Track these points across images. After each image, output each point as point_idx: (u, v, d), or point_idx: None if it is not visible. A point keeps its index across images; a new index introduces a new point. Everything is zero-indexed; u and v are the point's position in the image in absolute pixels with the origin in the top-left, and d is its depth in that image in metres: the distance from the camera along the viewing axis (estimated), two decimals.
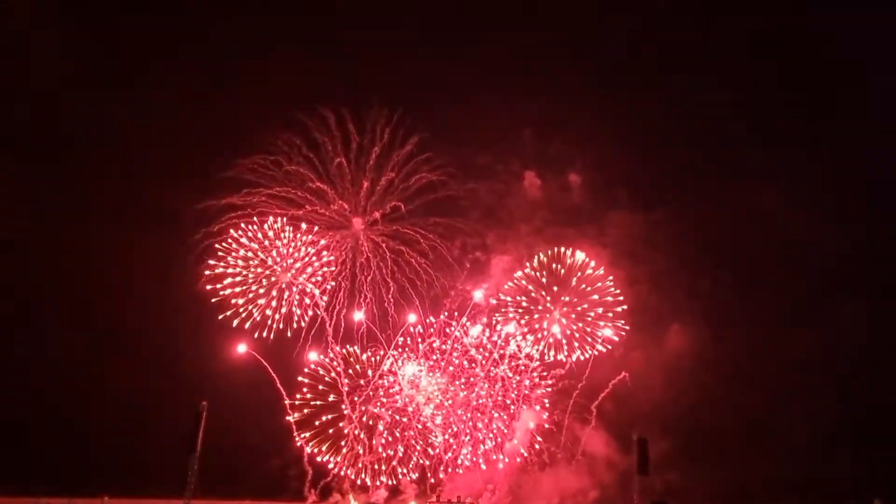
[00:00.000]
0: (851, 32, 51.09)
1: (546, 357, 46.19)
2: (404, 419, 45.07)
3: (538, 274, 46.82)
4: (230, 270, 43.52)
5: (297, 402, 44.06)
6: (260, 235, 44.12)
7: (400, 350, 45.45)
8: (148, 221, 44.64)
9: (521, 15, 53.16)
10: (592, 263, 46.80)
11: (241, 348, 43.07)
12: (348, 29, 51.06)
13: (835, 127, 51.53)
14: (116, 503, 39.04)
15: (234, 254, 43.65)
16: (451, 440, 45.33)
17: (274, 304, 43.99)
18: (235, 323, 43.15)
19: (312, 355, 44.49)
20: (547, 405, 46.31)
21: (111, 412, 43.08)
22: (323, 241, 45.13)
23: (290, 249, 44.42)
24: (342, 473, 43.81)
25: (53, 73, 45.48)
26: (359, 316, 44.71)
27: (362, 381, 44.95)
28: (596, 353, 45.87)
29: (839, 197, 51.36)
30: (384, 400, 45.19)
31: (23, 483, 38.31)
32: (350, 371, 45.08)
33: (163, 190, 44.48)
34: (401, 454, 44.73)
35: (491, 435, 45.50)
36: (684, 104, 51.37)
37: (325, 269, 45.03)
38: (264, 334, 43.49)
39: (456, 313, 46.05)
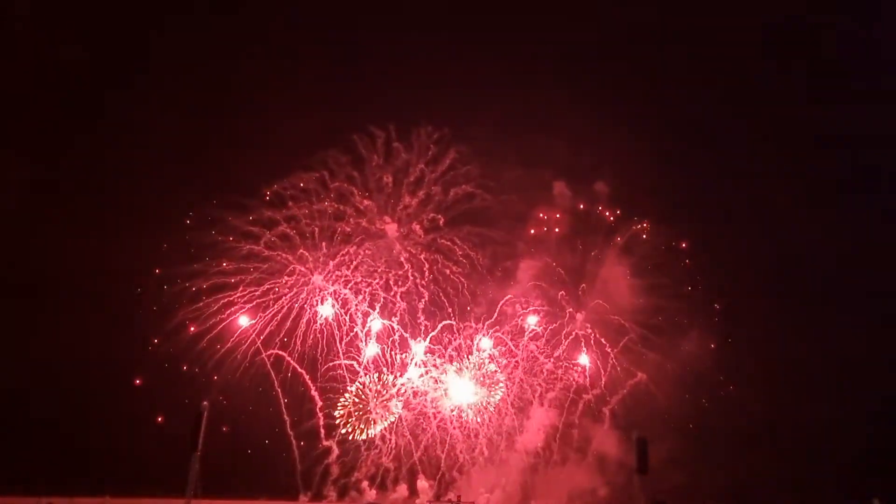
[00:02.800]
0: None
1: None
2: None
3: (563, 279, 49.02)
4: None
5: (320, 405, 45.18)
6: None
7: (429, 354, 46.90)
8: (161, 225, 44.88)
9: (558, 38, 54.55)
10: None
11: (244, 321, 42.94)
12: (389, 48, 52.77)
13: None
14: (117, 503, 39.01)
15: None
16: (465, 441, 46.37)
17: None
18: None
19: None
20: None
21: (111, 412, 43.01)
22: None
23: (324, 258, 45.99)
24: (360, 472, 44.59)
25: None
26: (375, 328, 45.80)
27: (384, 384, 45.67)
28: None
29: (851, 204, 52.10)
30: (416, 400, 46.09)
31: (23, 483, 38.21)
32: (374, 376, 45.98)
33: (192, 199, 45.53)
34: (418, 454, 45.95)
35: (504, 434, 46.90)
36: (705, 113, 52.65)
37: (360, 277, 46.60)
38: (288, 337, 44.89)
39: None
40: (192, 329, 42.82)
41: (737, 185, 52.86)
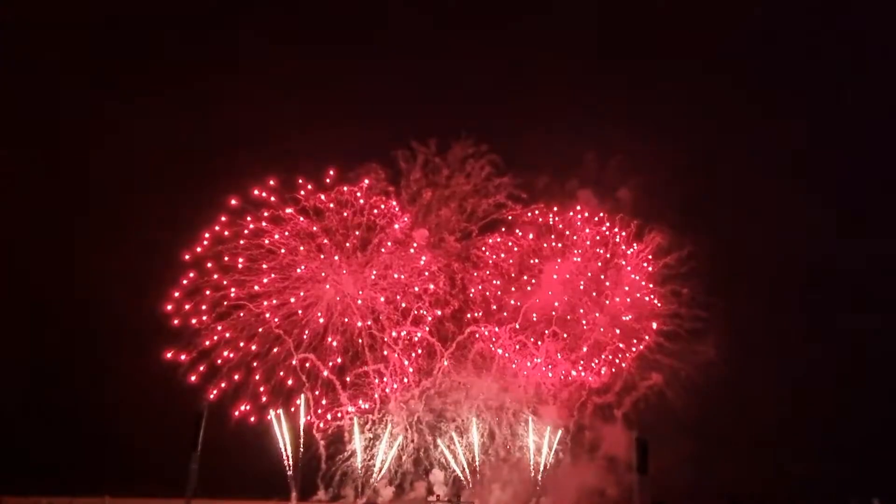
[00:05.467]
0: None
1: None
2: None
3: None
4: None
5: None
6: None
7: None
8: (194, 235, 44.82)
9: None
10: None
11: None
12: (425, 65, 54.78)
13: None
14: (117, 503, 39.10)
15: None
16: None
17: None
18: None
19: None
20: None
21: (111, 412, 43.07)
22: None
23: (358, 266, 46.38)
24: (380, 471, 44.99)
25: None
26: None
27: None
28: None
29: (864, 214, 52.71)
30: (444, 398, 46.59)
31: (23, 483, 38.33)
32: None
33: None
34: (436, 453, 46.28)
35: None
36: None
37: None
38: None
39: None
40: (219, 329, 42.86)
41: (756, 195, 53.57)
